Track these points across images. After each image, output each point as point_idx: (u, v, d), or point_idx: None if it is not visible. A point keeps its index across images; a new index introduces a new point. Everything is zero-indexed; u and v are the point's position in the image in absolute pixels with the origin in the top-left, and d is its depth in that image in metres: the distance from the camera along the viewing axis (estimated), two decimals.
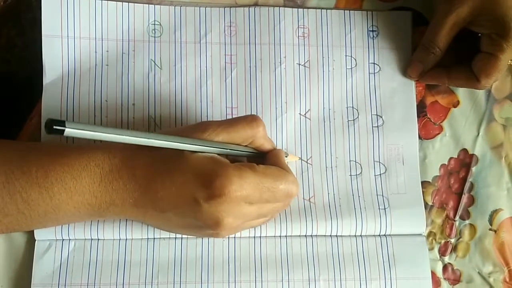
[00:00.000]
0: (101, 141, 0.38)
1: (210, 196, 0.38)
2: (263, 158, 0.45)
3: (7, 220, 0.41)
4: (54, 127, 0.33)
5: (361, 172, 0.52)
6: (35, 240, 0.47)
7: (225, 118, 0.50)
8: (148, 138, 0.38)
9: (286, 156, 0.48)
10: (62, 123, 0.33)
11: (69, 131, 0.33)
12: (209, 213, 0.39)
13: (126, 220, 0.48)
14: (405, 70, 0.54)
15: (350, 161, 0.52)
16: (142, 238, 0.48)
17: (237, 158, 0.45)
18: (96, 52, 0.50)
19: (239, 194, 0.39)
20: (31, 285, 0.46)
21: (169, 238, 0.48)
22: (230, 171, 0.39)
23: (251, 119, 0.44)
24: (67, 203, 0.40)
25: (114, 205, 0.41)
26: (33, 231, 0.47)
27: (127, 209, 0.42)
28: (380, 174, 0.52)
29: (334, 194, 0.51)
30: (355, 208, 0.51)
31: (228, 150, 0.43)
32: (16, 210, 0.40)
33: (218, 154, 0.42)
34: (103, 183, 0.40)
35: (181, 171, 0.40)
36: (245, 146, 0.45)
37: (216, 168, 0.39)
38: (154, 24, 0.52)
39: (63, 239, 0.47)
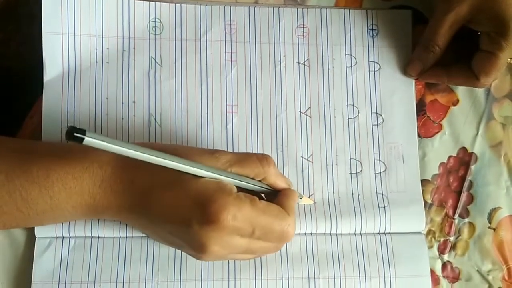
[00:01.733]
0: None
1: (203, 221, 0.38)
2: (275, 196, 0.44)
3: (4, 218, 0.41)
4: (75, 134, 0.33)
5: (361, 170, 0.52)
6: (36, 237, 0.47)
7: (225, 121, 0.51)
8: (163, 159, 0.38)
9: (300, 198, 0.48)
10: (82, 131, 0.33)
11: (88, 140, 0.33)
12: (198, 237, 0.39)
13: None
14: (405, 68, 0.54)
15: (350, 159, 0.52)
16: (142, 236, 0.48)
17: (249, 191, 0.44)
18: (96, 49, 0.50)
19: (232, 224, 0.38)
20: (32, 282, 0.46)
21: None
22: (229, 199, 0.38)
23: (261, 157, 0.43)
24: (66, 202, 0.40)
25: (111, 208, 0.41)
26: (33, 229, 0.47)
27: (122, 213, 0.42)
28: (380, 172, 0.52)
29: (334, 192, 0.51)
30: (354, 206, 0.51)
31: (243, 182, 0.42)
32: (15, 209, 0.40)
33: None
34: (103, 185, 0.40)
35: (180, 190, 0.39)
36: (259, 181, 0.44)
37: (216, 194, 0.39)
38: (155, 22, 0.52)
39: (63, 237, 0.47)
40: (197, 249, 0.40)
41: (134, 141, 0.49)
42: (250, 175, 0.43)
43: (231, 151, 0.44)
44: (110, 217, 0.45)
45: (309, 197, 0.50)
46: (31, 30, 0.50)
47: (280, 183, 0.45)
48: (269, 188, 0.45)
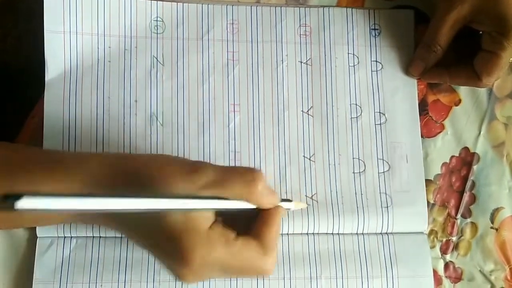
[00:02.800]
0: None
1: (174, 258, 0.37)
2: (259, 213, 0.40)
3: None
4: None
5: (364, 170, 0.52)
6: (37, 237, 0.47)
7: (227, 120, 0.51)
8: (123, 206, 0.32)
9: (290, 201, 0.45)
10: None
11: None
12: (172, 269, 0.38)
13: None
14: (407, 68, 0.54)
15: (353, 158, 0.52)
16: None
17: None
18: (98, 48, 0.50)
19: (202, 265, 0.36)
20: (33, 282, 0.46)
21: None
22: (198, 240, 0.36)
23: (247, 174, 0.38)
24: (53, 214, 0.41)
25: (103, 216, 0.40)
26: (35, 229, 0.47)
27: (114, 224, 0.41)
28: (383, 172, 0.52)
29: (337, 192, 0.51)
30: (357, 206, 0.51)
31: (221, 207, 0.38)
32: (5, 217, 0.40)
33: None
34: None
35: (154, 228, 0.37)
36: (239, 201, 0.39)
37: (184, 234, 0.36)
38: (157, 21, 0.51)
39: (64, 237, 0.47)
40: (176, 276, 0.38)
41: (136, 141, 0.49)
42: (231, 197, 0.38)
43: (215, 165, 0.39)
44: (101, 224, 0.45)
45: (311, 197, 0.50)
46: (29, 25, 0.50)
47: (265, 203, 0.40)
48: (252, 208, 0.40)
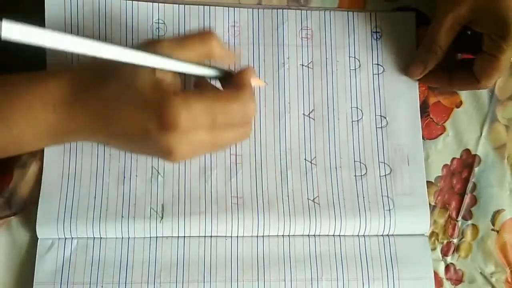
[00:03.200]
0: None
1: (160, 128, 0.37)
2: (230, 79, 0.43)
3: None
4: None
5: (365, 173, 0.52)
6: (38, 238, 0.47)
7: None
8: (101, 47, 0.34)
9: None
10: None
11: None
12: (161, 144, 0.38)
13: (128, 218, 0.48)
14: (407, 70, 0.54)
15: (354, 161, 0.52)
16: (144, 237, 0.48)
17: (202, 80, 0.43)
18: None
19: (189, 123, 0.37)
20: (34, 283, 0.46)
21: (172, 237, 0.48)
22: (176, 101, 0.37)
23: (203, 33, 0.41)
24: (25, 132, 0.40)
25: (72, 132, 0.40)
26: (35, 230, 0.47)
27: (86, 136, 0.41)
28: (385, 175, 0.52)
29: (338, 195, 0.51)
30: (359, 209, 0.51)
31: (187, 70, 0.40)
32: None
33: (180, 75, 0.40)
34: (57, 112, 0.39)
35: (129, 102, 0.38)
36: (209, 66, 0.42)
37: (161, 99, 0.37)
38: (158, 23, 0.52)
39: (65, 238, 0.47)
40: (165, 154, 0.39)
41: None
42: (194, 58, 0.40)
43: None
44: (75, 140, 0.44)
45: (313, 200, 0.50)
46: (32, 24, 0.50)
47: (226, 54, 0.43)
48: (218, 71, 0.43)
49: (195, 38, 0.41)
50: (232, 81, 0.42)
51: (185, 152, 0.39)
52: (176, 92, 0.38)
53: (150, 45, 0.39)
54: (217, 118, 0.38)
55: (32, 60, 0.48)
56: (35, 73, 0.42)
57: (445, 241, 0.53)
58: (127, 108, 0.38)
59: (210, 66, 0.42)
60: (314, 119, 0.52)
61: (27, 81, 0.41)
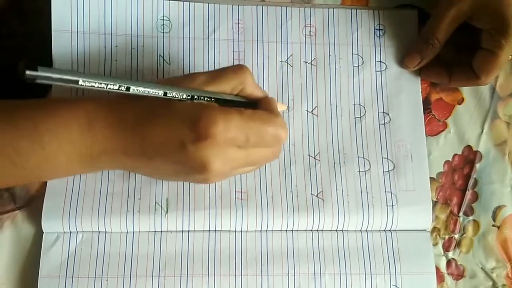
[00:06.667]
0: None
1: (195, 139, 0.38)
2: (255, 107, 0.44)
3: (2, 173, 0.41)
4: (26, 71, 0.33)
5: (369, 169, 0.52)
6: (43, 232, 0.47)
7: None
8: (141, 87, 0.39)
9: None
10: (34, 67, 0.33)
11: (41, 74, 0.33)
12: (196, 157, 0.39)
13: (133, 213, 0.48)
14: (403, 60, 0.54)
15: (358, 157, 0.52)
16: (149, 231, 0.48)
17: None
18: (105, 47, 0.51)
19: (225, 136, 0.38)
20: (39, 277, 0.46)
21: (176, 231, 0.49)
22: (216, 113, 0.38)
23: (237, 68, 0.43)
24: (58, 152, 0.40)
25: (105, 153, 0.41)
26: (41, 224, 0.47)
27: (118, 158, 0.41)
28: (388, 171, 0.52)
29: (342, 190, 0.51)
30: (363, 205, 0.51)
31: (218, 98, 0.42)
32: (9, 162, 0.39)
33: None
34: (92, 131, 0.40)
35: (168, 116, 0.39)
36: (236, 95, 0.44)
37: (202, 111, 0.38)
38: (163, 20, 0.52)
39: (70, 232, 0.47)
40: (200, 170, 0.39)
41: None
42: (227, 90, 0.43)
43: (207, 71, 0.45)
44: (109, 166, 0.44)
45: (316, 195, 0.51)
46: (37, 24, 0.50)
47: (257, 93, 0.45)
48: (245, 100, 0.44)
49: (230, 72, 0.43)
50: (259, 108, 0.43)
51: (220, 167, 0.39)
52: (214, 105, 0.40)
53: (187, 78, 0.42)
54: (251, 137, 0.40)
55: (40, 60, 0.49)
56: (70, 98, 0.43)
57: (446, 237, 0.53)
58: (163, 120, 0.39)
59: (235, 96, 0.44)
60: (317, 116, 0.53)
61: (63, 103, 0.41)
